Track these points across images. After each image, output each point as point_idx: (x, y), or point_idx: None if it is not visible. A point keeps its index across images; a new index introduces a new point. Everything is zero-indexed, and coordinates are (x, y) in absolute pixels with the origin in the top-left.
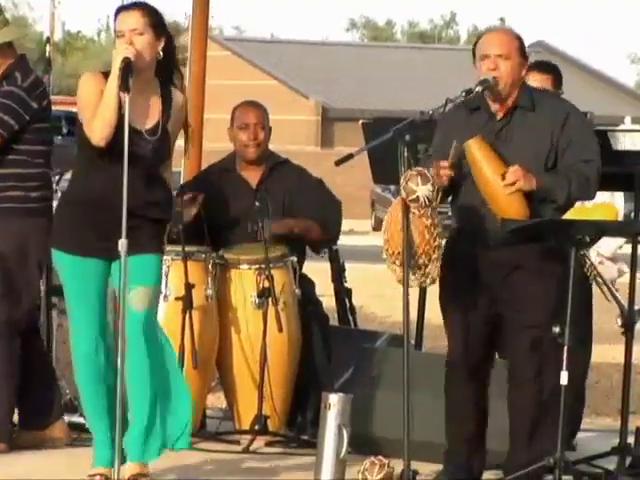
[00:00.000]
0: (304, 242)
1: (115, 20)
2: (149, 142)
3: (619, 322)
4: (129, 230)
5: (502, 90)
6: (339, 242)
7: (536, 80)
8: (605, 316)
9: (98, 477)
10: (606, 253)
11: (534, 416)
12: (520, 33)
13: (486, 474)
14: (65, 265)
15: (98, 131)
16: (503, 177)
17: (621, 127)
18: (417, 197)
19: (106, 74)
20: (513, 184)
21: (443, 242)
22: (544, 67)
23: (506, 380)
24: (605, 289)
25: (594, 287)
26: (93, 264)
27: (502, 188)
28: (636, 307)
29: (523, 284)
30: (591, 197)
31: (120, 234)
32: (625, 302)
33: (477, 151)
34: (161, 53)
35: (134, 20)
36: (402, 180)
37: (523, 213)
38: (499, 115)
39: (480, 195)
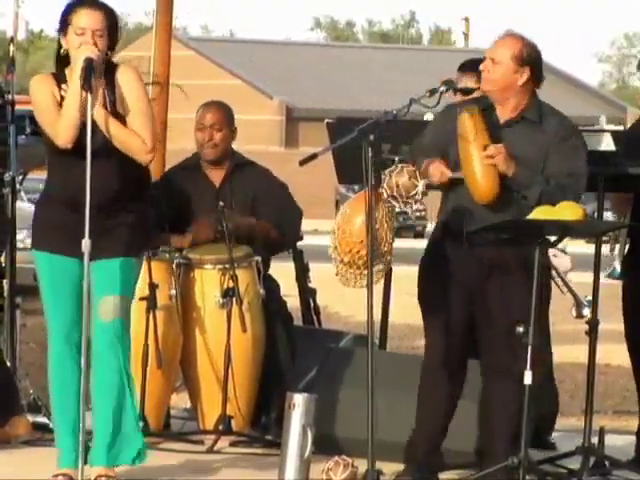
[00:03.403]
0: (261, 242)
1: (70, 13)
2: (100, 130)
3: (574, 313)
4: (103, 232)
5: (492, 94)
6: (303, 242)
7: (472, 81)
8: (568, 316)
9: (61, 477)
10: (558, 245)
11: (516, 414)
12: (483, 33)
13: (446, 474)
14: (43, 264)
15: (64, 133)
16: (485, 148)
17: (596, 127)
18: (416, 193)
19: (55, 75)
20: (492, 157)
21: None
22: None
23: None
24: (560, 281)
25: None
26: (69, 263)
27: (480, 158)
28: (588, 297)
29: (506, 283)
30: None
31: (91, 233)
32: (580, 294)
33: (468, 121)
34: (109, 52)
35: (98, 21)
36: (394, 177)
37: (494, 190)
38: (502, 121)
39: (469, 195)
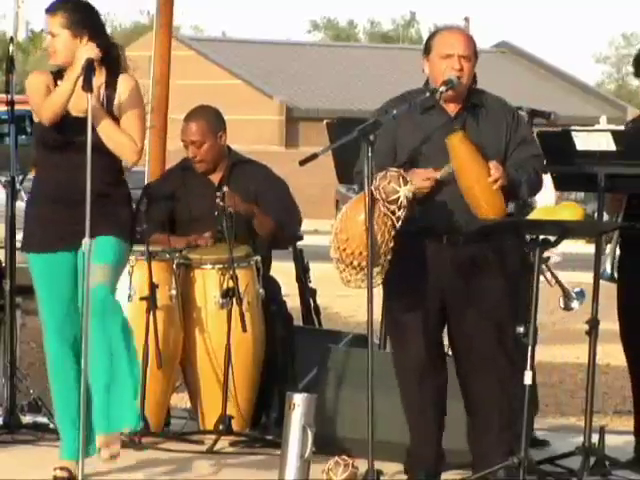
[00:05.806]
0: (260, 235)
1: None
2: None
3: (562, 305)
4: (94, 218)
5: (463, 90)
6: (303, 242)
7: None
8: (568, 316)
9: (59, 471)
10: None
11: (503, 407)
12: (483, 34)
13: (446, 474)
14: (37, 265)
15: (48, 111)
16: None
17: (596, 127)
18: (398, 198)
19: (54, 73)
20: (498, 180)
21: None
22: None
23: (456, 378)
24: (548, 274)
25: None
26: (62, 257)
27: (490, 184)
28: (576, 289)
29: (485, 280)
30: (538, 191)
31: (80, 223)
32: (568, 286)
33: (464, 147)
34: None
35: (49, 23)
36: (379, 180)
37: (504, 208)
38: (454, 114)
39: (449, 192)
